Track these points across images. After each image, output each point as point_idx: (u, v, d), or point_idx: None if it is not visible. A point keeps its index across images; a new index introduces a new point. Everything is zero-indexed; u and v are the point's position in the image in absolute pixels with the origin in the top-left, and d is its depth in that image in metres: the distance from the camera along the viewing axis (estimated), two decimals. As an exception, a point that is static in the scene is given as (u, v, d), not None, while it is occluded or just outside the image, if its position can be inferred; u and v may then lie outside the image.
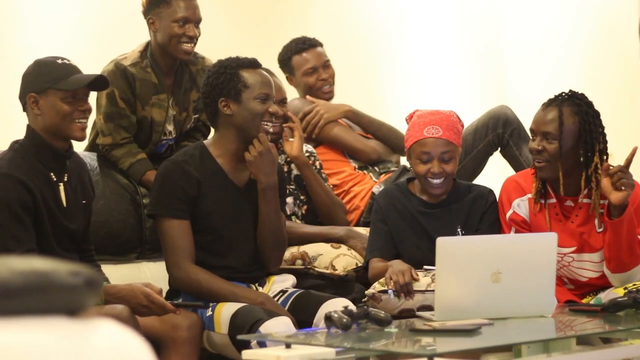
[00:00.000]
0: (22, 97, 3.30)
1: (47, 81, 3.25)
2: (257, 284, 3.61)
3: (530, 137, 3.74)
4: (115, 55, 4.13)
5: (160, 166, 3.61)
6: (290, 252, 3.94)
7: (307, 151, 4.32)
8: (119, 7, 5.05)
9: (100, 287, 1.40)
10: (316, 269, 3.95)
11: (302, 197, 4.17)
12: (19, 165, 3.22)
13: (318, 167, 4.27)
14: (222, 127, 3.56)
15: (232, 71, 3.52)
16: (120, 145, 4.12)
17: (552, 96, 3.71)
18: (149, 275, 4.01)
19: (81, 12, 5.05)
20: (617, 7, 6.00)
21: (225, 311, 3.41)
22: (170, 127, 4.20)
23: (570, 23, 6.26)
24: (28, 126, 3.30)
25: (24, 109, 3.31)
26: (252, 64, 3.57)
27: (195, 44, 4.12)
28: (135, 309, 3.19)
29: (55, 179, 3.29)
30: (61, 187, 3.30)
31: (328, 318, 2.84)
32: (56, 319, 1.34)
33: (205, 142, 3.62)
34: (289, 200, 4.08)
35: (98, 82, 3.33)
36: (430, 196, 3.77)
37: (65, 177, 3.33)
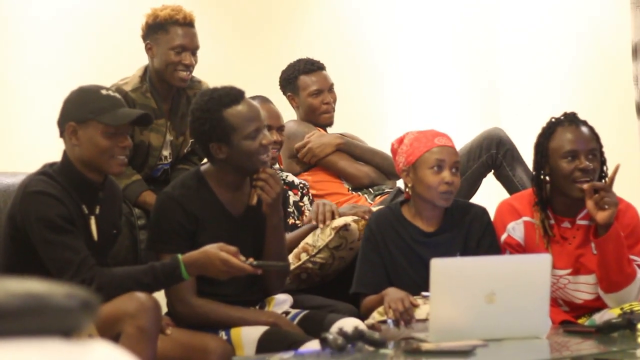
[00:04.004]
0: (61, 124, 3.21)
1: (89, 112, 3.16)
2: (257, 307, 3.58)
3: (565, 159, 3.63)
4: (113, 77, 4.12)
5: (157, 199, 3.56)
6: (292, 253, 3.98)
7: (300, 183, 4.34)
8: (119, 30, 5.06)
9: (96, 309, 1.40)
10: (318, 255, 3.96)
11: (297, 223, 4.17)
12: (53, 186, 3.15)
13: (310, 199, 4.30)
14: (219, 165, 3.47)
15: (216, 115, 3.37)
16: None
17: (558, 117, 3.71)
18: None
19: (80, 34, 5.06)
20: (611, 31, 6.03)
21: (246, 333, 3.37)
22: (166, 152, 4.20)
23: (565, 46, 6.28)
24: (64, 154, 3.23)
25: (61, 135, 3.23)
26: (234, 100, 3.40)
27: (191, 71, 4.12)
28: (216, 275, 3.15)
29: (87, 212, 3.22)
30: (92, 220, 3.24)
31: (323, 339, 2.84)
32: (51, 341, 1.34)
33: (202, 169, 3.54)
34: None
35: (141, 119, 3.25)
36: (426, 223, 3.70)
37: (97, 210, 3.26)
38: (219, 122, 3.38)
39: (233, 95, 3.42)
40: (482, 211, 3.77)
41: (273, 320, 3.41)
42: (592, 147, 3.65)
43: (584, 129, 3.67)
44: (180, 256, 3.15)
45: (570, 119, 3.69)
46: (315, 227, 4.00)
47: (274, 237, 3.52)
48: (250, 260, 3.16)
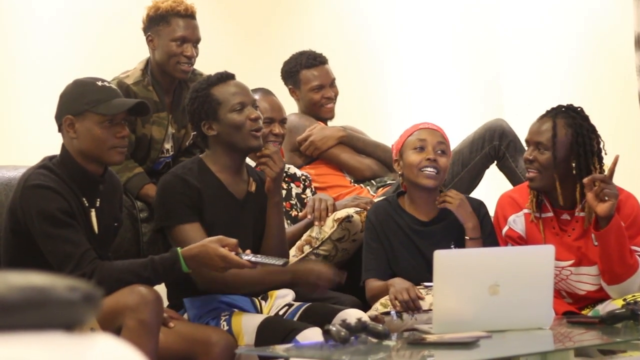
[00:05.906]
0: (58, 118, 3.23)
1: (85, 103, 3.17)
2: (259, 298, 3.59)
3: (526, 149, 3.76)
4: (115, 72, 4.11)
5: (160, 180, 3.59)
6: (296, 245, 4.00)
7: (303, 175, 4.33)
8: (120, 25, 5.05)
9: (98, 302, 1.40)
10: (321, 248, 3.98)
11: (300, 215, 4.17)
12: (53, 179, 3.16)
13: (313, 191, 4.29)
14: (214, 146, 3.55)
15: (204, 92, 3.51)
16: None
17: (549, 109, 3.74)
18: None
19: (82, 29, 5.06)
20: (613, 22, 6.02)
21: (246, 321, 3.39)
22: (168, 145, 4.20)
23: (567, 37, 6.27)
24: (63, 147, 3.23)
25: (59, 130, 3.24)
26: (222, 79, 3.54)
27: (192, 64, 4.12)
28: (214, 270, 3.16)
29: (87, 205, 3.23)
30: (93, 213, 3.24)
31: (326, 331, 2.84)
32: (54, 334, 1.34)
33: (201, 156, 3.61)
34: None
35: (138, 108, 3.27)
36: (422, 212, 3.75)
37: (98, 202, 3.26)
38: (206, 99, 3.51)
39: (221, 76, 3.55)
40: (479, 203, 3.81)
41: (291, 275, 3.44)
42: (539, 140, 3.67)
43: (545, 123, 3.68)
44: (179, 250, 3.17)
45: (549, 111, 3.72)
46: (312, 223, 4.01)
47: (276, 216, 3.57)
48: (248, 252, 3.18)
